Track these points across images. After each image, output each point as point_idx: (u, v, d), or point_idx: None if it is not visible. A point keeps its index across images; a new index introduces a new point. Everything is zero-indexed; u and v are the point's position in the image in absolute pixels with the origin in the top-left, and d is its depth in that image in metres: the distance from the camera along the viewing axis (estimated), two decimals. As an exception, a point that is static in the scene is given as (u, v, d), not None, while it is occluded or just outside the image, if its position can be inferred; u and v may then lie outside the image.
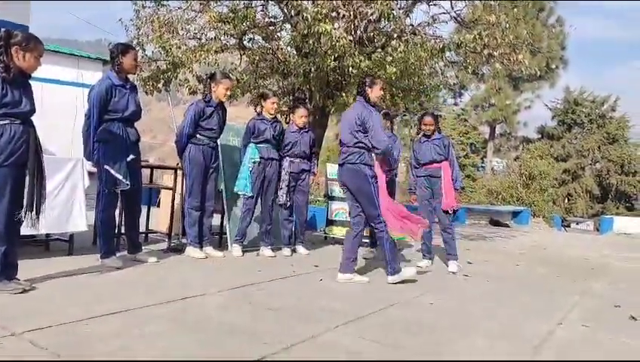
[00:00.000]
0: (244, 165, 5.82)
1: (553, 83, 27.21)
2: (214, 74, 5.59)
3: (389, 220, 4.79)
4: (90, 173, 4.99)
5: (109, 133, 4.55)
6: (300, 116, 6.15)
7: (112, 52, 4.74)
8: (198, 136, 5.38)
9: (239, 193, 5.84)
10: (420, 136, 6.19)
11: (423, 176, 6.00)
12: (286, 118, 8.16)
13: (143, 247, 5.25)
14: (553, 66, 24.97)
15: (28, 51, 3.49)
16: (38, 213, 3.58)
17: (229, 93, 5.55)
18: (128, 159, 4.64)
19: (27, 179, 3.53)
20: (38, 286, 3.67)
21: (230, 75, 9.02)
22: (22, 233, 3.73)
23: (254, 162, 5.79)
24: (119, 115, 4.59)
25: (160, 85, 8.68)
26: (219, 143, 5.69)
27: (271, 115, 5.96)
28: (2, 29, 3.50)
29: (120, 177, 4.56)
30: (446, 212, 5.87)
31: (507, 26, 7.86)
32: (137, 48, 8.68)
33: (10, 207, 3.47)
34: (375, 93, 4.89)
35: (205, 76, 6.03)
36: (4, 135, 3.42)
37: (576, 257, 8.43)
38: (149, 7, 8.76)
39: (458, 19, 8.53)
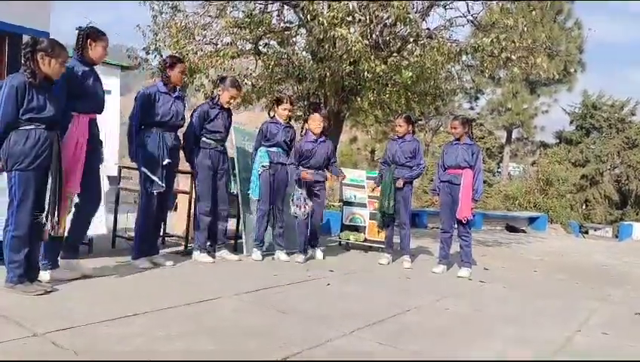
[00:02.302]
0: (254, 169, 5.84)
1: (571, 87, 26.86)
2: (225, 78, 5.63)
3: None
4: (110, 178, 5.07)
5: (147, 137, 4.77)
6: (316, 123, 5.95)
7: (161, 65, 5.12)
8: (204, 139, 5.39)
9: (249, 196, 5.87)
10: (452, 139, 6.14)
11: (445, 182, 5.93)
12: (302, 126, 8.20)
13: (159, 250, 5.30)
14: (571, 70, 24.68)
15: (53, 57, 3.56)
16: (59, 217, 3.65)
17: (232, 101, 5.55)
18: (164, 163, 4.77)
19: (49, 183, 3.59)
20: (59, 288, 3.73)
21: (243, 82, 9.10)
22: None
23: (263, 166, 5.81)
24: (157, 120, 4.78)
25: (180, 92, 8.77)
26: (227, 146, 5.69)
27: (283, 120, 5.96)
28: (28, 37, 3.57)
29: (156, 179, 4.73)
30: (460, 221, 5.81)
31: (525, 29, 7.81)
32: (154, 54, 8.81)
33: (34, 210, 3.54)
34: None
35: (217, 77, 6.07)
36: (29, 139, 3.49)
37: (594, 264, 8.32)
38: (166, 13, 8.86)
39: (475, 22, 8.50)
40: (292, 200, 5.88)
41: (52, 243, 3.95)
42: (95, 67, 4.19)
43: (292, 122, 6.39)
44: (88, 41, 4.03)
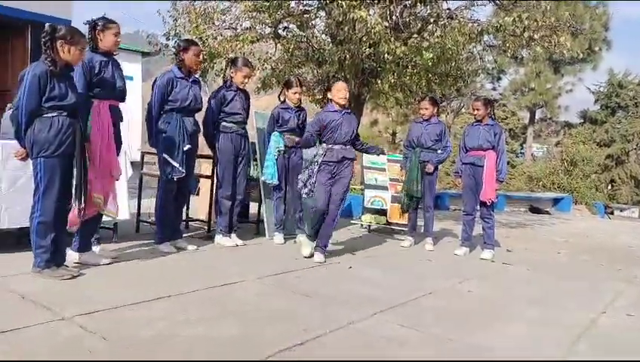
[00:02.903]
0: (269, 153, 5.83)
1: (596, 65, 26.27)
2: (236, 59, 5.61)
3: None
4: (133, 163, 5.13)
5: (167, 123, 4.81)
6: (341, 93, 5.05)
7: (175, 49, 5.09)
8: (224, 123, 5.38)
9: (266, 181, 5.87)
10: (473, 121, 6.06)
11: (468, 164, 5.86)
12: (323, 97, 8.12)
13: (182, 235, 5.36)
14: (596, 48, 24.12)
15: (72, 45, 3.59)
16: (85, 203, 3.71)
17: (247, 81, 5.49)
18: (185, 148, 4.81)
19: (75, 169, 3.66)
20: (85, 273, 3.81)
21: (263, 66, 9.08)
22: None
23: (279, 151, 5.80)
24: (177, 105, 4.82)
25: (197, 76, 8.80)
26: (247, 129, 5.67)
27: (294, 104, 5.92)
28: (47, 24, 3.61)
29: (176, 165, 4.78)
30: (485, 202, 5.76)
31: (547, 7, 7.64)
32: (174, 40, 8.84)
33: (59, 197, 3.61)
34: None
35: (227, 60, 6.00)
36: (52, 127, 3.55)
37: (620, 245, 8.20)
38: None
39: (496, 1, 8.34)
40: (301, 177, 5.17)
41: (85, 227, 4.03)
42: (116, 55, 4.23)
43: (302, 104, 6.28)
44: (96, 32, 4.06)
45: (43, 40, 3.55)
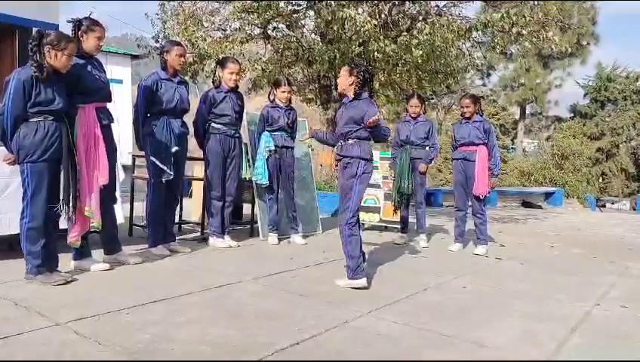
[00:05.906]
0: (259, 154, 5.81)
1: (584, 60, 26.48)
2: (221, 60, 5.60)
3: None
4: (124, 167, 5.10)
5: (154, 125, 4.77)
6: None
7: (159, 50, 5.08)
8: (213, 125, 5.37)
9: (257, 182, 5.86)
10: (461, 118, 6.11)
11: (459, 159, 5.91)
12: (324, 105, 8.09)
13: (176, 237, 5.34)
14: (584, 43, 24.29)
15: (59, 50, 3.56)
16: (74, 207, 3.69)
17: (234, 77, 5.42)
18: (173, 150, 4.78)
19: (62, 174, 3.63)
20: (78, 278, 3.79)
21: (253, 67, 9.08)
22: (60, 227, 3.85)
23: (269, 150, 5.79)
24: (163, 107, 4.78)
25: (187, 78, 8.78)
26: (240, 132, 5.65)
27: (283, 103, 5.89)
28: (35, 29, 3.58)
29: (164, 168, 4.75)
30: (477, 197, 5.79)
31: (535, 2, 7.69)
32: (164, 41, 8.82)
33: (48, 202, 3.58)
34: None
35: (215, 63, 5.97)
36: (38, 132, 3.52)
37: (612, 237, 8.26)
38: (174, 0, 8.85)
39: (484, -3, 8.38)
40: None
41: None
42: (102, 57, 4.18)
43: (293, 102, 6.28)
44: (79, 33, 3.98)
45: (30, 45, 3.53)
